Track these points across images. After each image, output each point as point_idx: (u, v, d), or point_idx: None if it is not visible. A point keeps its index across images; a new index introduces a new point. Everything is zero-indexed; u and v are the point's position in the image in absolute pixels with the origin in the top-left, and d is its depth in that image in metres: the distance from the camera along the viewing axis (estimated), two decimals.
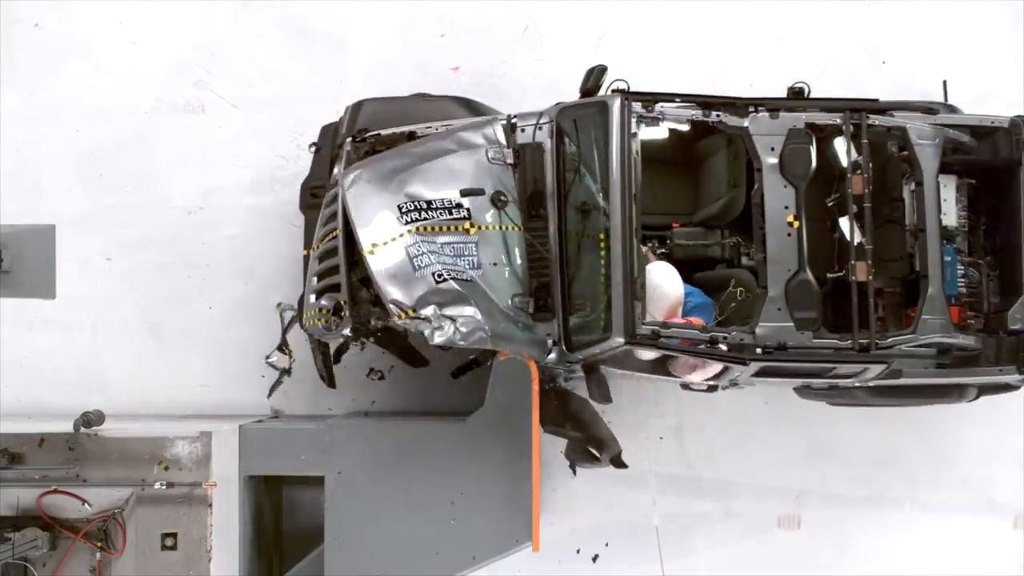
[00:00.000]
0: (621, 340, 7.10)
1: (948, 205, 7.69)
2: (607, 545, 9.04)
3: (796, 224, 7.23)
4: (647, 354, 7.31)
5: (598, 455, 7.90)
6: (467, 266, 7.33)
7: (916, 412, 9.07)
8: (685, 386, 7.74)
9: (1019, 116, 7.72)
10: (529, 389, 8.18)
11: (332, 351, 8.15)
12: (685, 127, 7.56)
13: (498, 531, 8.10)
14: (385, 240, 7.28)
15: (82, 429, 7.54)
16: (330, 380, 8.16)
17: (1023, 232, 7.55)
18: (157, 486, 7.49)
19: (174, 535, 7.50)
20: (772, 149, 7.33)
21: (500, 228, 7.53)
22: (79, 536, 7.37)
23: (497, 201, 7.51)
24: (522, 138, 7.62)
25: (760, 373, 7.31)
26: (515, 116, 7.71)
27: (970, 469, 9.08)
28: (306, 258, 7.82)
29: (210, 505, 7.52)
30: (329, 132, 8.23)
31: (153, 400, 9.12)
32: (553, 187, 7.50)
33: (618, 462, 7.89)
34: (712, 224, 7.98)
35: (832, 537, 9.06)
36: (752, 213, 7.36)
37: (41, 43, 9.40)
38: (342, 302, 7.38)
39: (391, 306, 7.11)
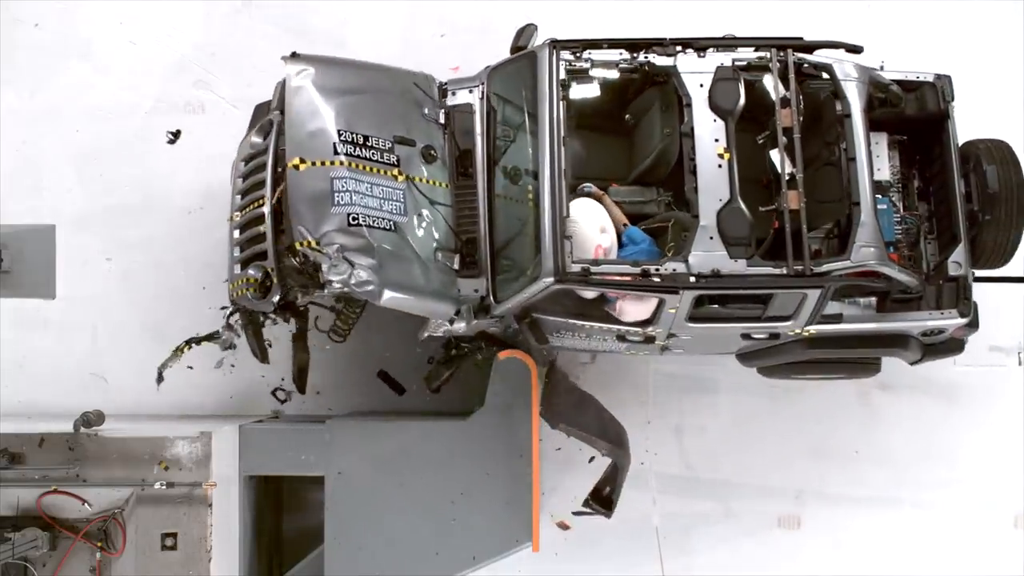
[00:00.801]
0: (551, 279, 7.07)
1: (881, 161, 7.75)
2: (608, 545, 9.03)
3: (727, 156, 7.22)
4: (588, 293, 7.29)
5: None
6: (392, 211, 7.31)
7: (916, 412, 9.08)
8: (622, 338, 7.67)
9: (945, 75, 7.85)
10: (529, 389, 8.20)
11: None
12: (614, 74, 7.60)
13: (498, 531, 8.10)
14: (314, 161, 7.23)
15: (82, 429, 7.54)
16: (263, 355, 8.11)
17: (955, 183, 7.61)
18: (157, 486, 7.49)
19: (174, 535, 7.50)
20: (701, 86, 7.37)
21: (428, 182, 7.52)
22: (79, 536, 7.36)
23: (427, 155, 7.54)
24: (453, 101, 7.70)
25: (697, 319, 7.31)
26: (447, 82, 7.81)
27: (970, 469, 9.08)
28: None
29: (210, 505, 7.51)
30: (263, 109, 8.12)
31: (153, 400, 9.11)
32: (482, 147, 7.54)
33: (606, 503, 7.80)
34: (648, 182, 7.97)
35: (832, 537, 9.06)
36: (683, 147, 7.36)
37: (41, 43, 9.41)
38: (269, 270, 7.35)
39: (297, 230, 7.04)
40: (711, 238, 7.10)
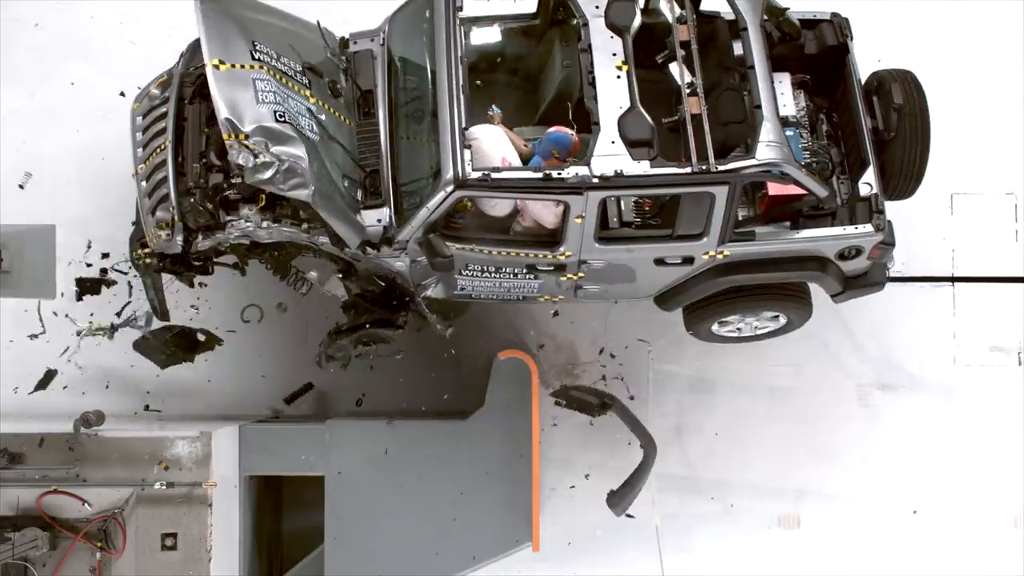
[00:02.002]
0: (451, 187, 7.06)
1: (785, 99, 7.79)
2: (607, 545, 9.03)
3: (625, 68, 7.22)
4: (500, 209, 7.33)
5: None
6: (308, 129, 7.29)
7: (916, 412, 9.08)
8: (533, 270, 7.62)
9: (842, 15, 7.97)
10: (529, 389, 8.20)
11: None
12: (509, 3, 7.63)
13: (498, 531, 8.10)
14: (234, 63, 7.19)
15: (82, 429, 7.53)
16: (163, 313, 8.13)
17: (859, 106, 7.68)
18: (157, 486, 7.49)
19: (174, 535, 7.49)
20: (596, 7, 7.38)
21: (335, 113, 7.54)
22: (79, 536, 7.36)
23: (333, 89, 7.57)
24: (355, 48, 7.82)
25: (607, 240, 7.32)
26: (350, 35, 7.90)
27: (970, 469, 9.07)
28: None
29: (210, 505, 7.51)
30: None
31: (154, 400, 9.12)
32: (383, 87, 7.61)
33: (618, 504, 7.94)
34: (553, 121, 7.88)
35: (832, 537, 9.06)
36: (580, 63, 7.34)
37: (41, 43, 9.41)
38: (171, 208, 7.39)
39: (224, 123, 6.98)
40: (612, 142, 7.06)
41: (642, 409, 9.07)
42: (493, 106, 7.69)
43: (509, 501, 8.09)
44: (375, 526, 8.06)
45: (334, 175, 7.32)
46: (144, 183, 7.64)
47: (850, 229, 7.53)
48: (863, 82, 7.88)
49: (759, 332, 8.49)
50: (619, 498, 7.82)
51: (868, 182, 7.59)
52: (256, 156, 6.97)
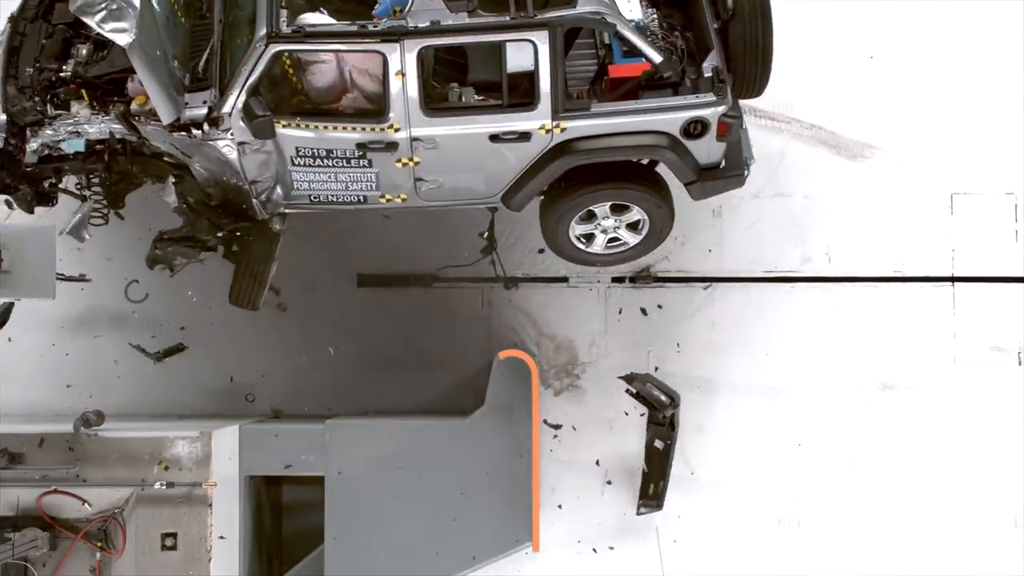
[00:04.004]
0: (265, 42, 7.06)
1: (632, 5, 7.69)
2: (608, 546, 9.03)
3: None
4: (323, 77, 7.30)
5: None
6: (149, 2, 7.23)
7: (916, 412, 9.08)
8: (363, 148, 7.49)
9: None
10: (529, 389, 8.20)
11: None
12: None
13: (498, 531, 8.10)
14: None
15: (82, 429, 7.53)
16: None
17: (701, 3, 7.63)
18: (157, 486, 7.48)
19: (174, 535, 7.49)
20: None
21: (174, 8, 7.54)
22: (79, 536, 7.36)
23: None
24: None
25: (435, 112, 7.27)
26: None
27: (970, 469, 9.07)
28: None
29: (210, 505, 7.51)
30: None
31: (153, 400, 9.12)
32: None
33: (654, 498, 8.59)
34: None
35: (832, 537, 9.06)
36: None
37: None
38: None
39: None
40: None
41: (642, 409, 9.06)
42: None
43: (509, 501, 8.09)
44: (375, 526, 8.06)
45: (165, 49, 7.27)
46: None
47: (690, 98, 7.40)
48: None
49: (626, 248, 8.30)
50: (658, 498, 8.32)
51: (713, 64, 7.47)
52: None
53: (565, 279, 9.25)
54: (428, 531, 8.06)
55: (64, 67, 7.55)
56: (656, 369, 9.08)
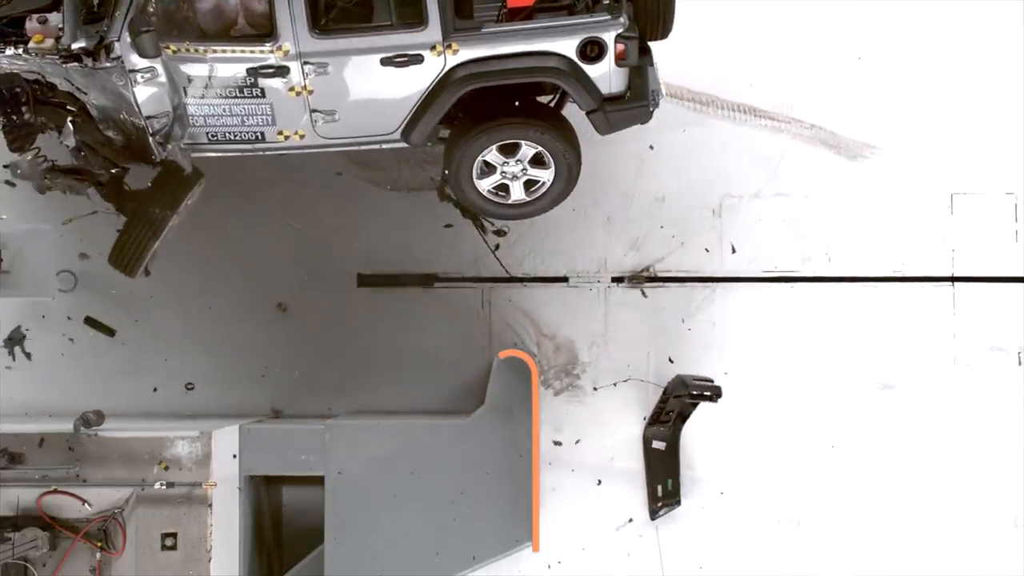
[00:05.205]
0: None
1: None
2: (609, 545, 9.04)
3: None
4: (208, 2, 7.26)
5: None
6: None
7: (916, 412, 9.08)
8: (254, 76, 7.46)
9: None
10: (529, 389, 8.20)
11: None
12: None
13: (498, 531, 8.11)
14: None
15: (82, 429, 7.54)
16: None
17: None
18: (157, 486, 7.49)
19: (174, 535, 7.50)
20: None
21: None
22: (79, 536, 7.36)
23: None
24: None
25: (323, 32, 7.21)
26: None
27: (970, 469, 9.07)
28: None
29: (210, 505, 7.52)
30: None
31: (153, 400, 9.12)
32: None
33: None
34: None
35: (832, 537, 9.06)
36: None
37: None
38: None
39: None
40: None
41: (642, 409, 9.07)
42: None
43: (509, 501, 8.09)
44: (375, 526, 8.07)
45: None
46: None
47: (584, 18, 7.31)
48: None
49: (546, 186, 7.99)
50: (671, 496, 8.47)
51: None
52: None
53: (565, 279, 9.25)
54: (428, 531, 8.06)
55: None
56: (673, 362, 9.10)
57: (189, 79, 7.46)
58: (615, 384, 9.08)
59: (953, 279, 9.24)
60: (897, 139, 9.31)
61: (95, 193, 8.15)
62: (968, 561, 9.01)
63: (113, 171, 7.91)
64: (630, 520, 8.97)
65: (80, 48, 7.21)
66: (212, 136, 7.76)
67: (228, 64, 7.40)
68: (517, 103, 7.72)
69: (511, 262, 9.24)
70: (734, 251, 9.19)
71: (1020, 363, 9.19)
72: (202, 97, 7.56)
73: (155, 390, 9.12)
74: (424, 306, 9.20)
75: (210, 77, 7.47)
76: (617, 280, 9.24)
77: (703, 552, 9.04)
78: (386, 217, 9.18)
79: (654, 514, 8.84)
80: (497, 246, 9.19)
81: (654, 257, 9.08)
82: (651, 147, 9.22)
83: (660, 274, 9.23)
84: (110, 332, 9.15)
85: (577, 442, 9.05)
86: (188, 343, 9.19)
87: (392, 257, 9.23)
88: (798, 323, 9.17)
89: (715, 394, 8.35)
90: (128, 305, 9.19)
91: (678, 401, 8.58)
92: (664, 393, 8.72)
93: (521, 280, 9.20)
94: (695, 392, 8.36)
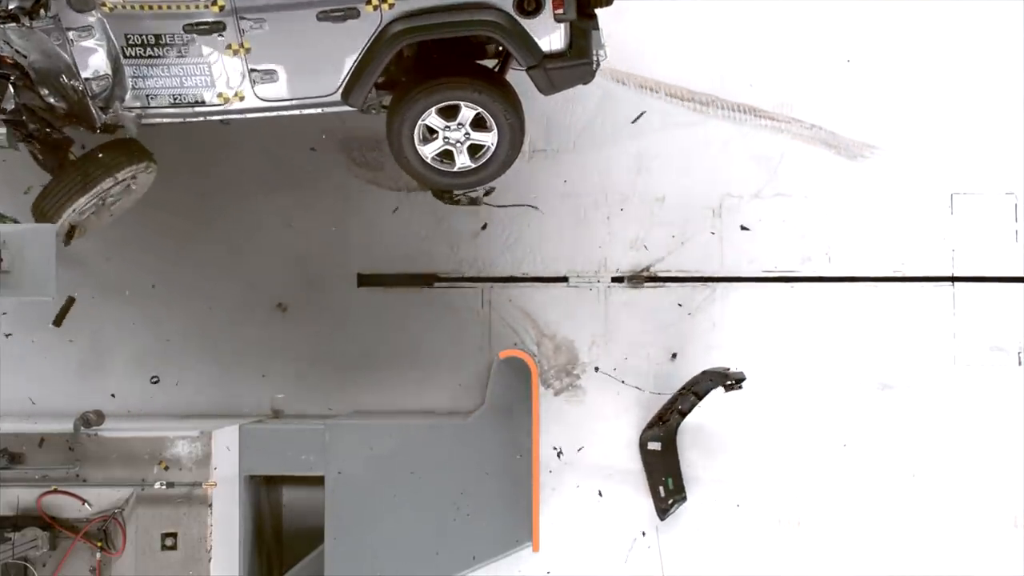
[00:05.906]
0: None
1: None
2: (609, 545, 9.04)
3: None
4: None
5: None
6: None
7: (916, 412, 9.08)
8: (192, 32, 7.36)
9: None
10: (529, 389, 8.21)
11: None
12: None
13: (498, 531, 8.11)
14: None
15: (82, 429, 7.54)
16: None
17: None
18: (157, 486, 7.49)
19: (174, 535, 7.50)
20: None
21: None
22: (79, 536, 7.37)
23: None
24: None
25: None
26: None
27: (970, 469, 9.07)
28: None
29: (210, 505, 7.52)
30: None
31: (153, 400, 9.13)
32: None
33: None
34: None
35: (832, 537, 9.06)
36: None
37: None
38: None
39: None
40: None
41: (642, 410, 9.08)
42: None
43: (509, 501, 8.09)
44: (375, 526, 8.07)
45: None
46: None
47: None
48: None
49: (491, 149, 7.81)
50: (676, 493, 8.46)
51: None
52: None
53: (565, 279, 9.25)
54: (428, 531, 8.07)
55: None
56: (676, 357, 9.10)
57: (127, 38, 7.36)
58: (618, 386, 9.09)
59: (953, 279, 9.24)
60: (897, 139, 9.31)
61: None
62: (968, 561, 9.01)
63: (55, 137, 7.83)
64: (630, 520, 8.97)
65: (17, 6, 7.13)
66: (152, 98, 7.67)
67: (164, 20, 7.29)
68: (456, 64, 7.58)
69: (511, 262, 9.24)
70: (744, 229, 9.13)
71: (1020, 363, 9.19)
72: (139, 57, 7.46)
73: (154, 380, 9.11)
74: (424, 306, 9.20)
75: (146, 35, 7.37)
76: (617, 280, 9.24)
77: (703, 552, 9.04)
78: (386, 217, 9.18)
79: (663, 513, 8.83)
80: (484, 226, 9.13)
81: (654, 257, 9.09)
82: (651, 147, 9.22)
83: (660, 274, 9.23)
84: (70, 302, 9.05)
85: (580, 449, 9.05)
86: (188, 342, 9.20)
87: (392, 257, 9.24)
88: (798, 323, 9.17)
89: (741, 380, 8.31)
90: (128, 304, 9.20)
91: (711, 385, 8.50)
92: (682, 388, 8.63)
93: (519, 280, 9.21)
94: (729, 382, 8.30)
